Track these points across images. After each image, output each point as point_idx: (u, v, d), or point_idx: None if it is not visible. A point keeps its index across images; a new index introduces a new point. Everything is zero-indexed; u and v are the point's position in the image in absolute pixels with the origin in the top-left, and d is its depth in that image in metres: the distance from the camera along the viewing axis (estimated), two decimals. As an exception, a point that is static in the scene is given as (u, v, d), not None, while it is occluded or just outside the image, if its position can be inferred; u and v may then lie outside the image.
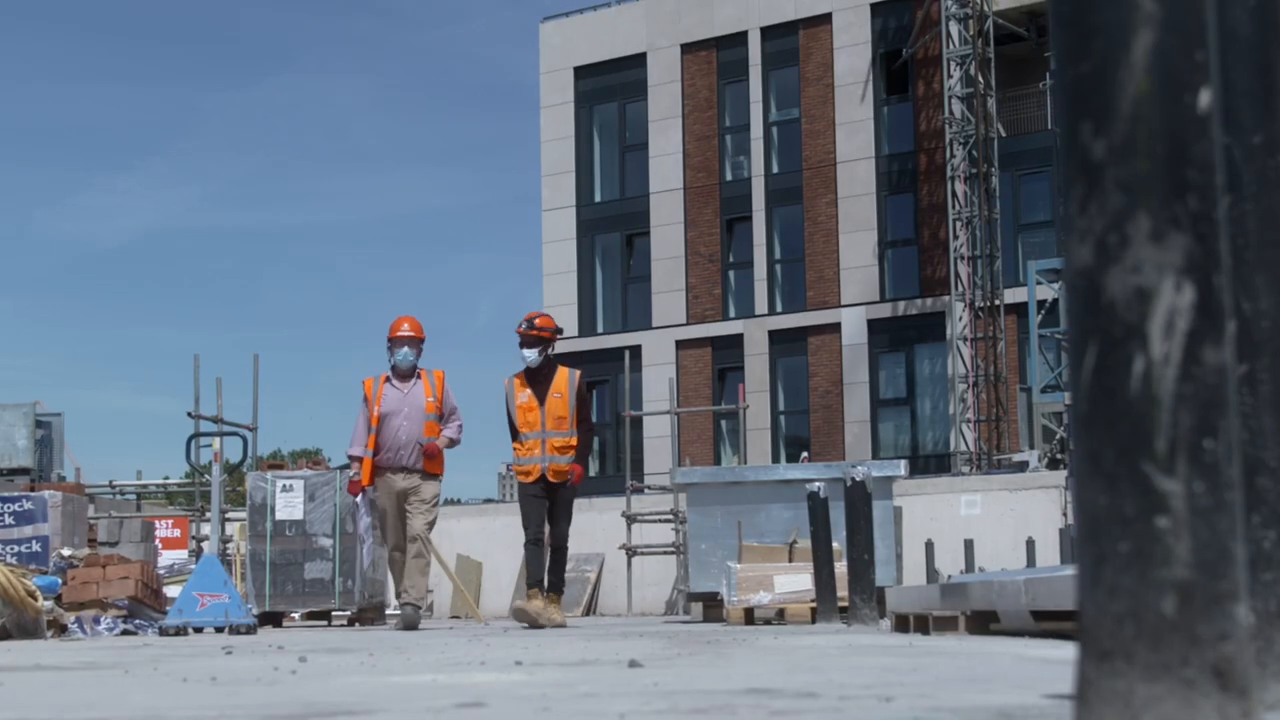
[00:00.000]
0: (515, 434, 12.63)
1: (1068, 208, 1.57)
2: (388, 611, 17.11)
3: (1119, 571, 1.49)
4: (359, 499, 13.25)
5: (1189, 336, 1.49)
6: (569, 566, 25.82)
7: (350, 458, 13.23)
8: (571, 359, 39.88)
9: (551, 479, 12.45)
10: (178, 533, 24.97)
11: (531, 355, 12.56)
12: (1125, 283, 1.51)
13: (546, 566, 12.40)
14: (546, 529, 12.63)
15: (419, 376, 13.03)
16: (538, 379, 12.57)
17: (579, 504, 26.75)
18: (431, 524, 13.05)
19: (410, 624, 12.44)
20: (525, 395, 12.54)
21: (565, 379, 12.66)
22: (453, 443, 13.11)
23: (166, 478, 31.12)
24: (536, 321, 12.59)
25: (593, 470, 38.99)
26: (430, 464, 13.00)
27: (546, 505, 12.50)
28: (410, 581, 12.82)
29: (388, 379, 13.02)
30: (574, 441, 12.52)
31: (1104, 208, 1.53)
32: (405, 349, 12.98)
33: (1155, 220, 1.51)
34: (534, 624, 11.88)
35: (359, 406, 13.09)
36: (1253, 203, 2.30)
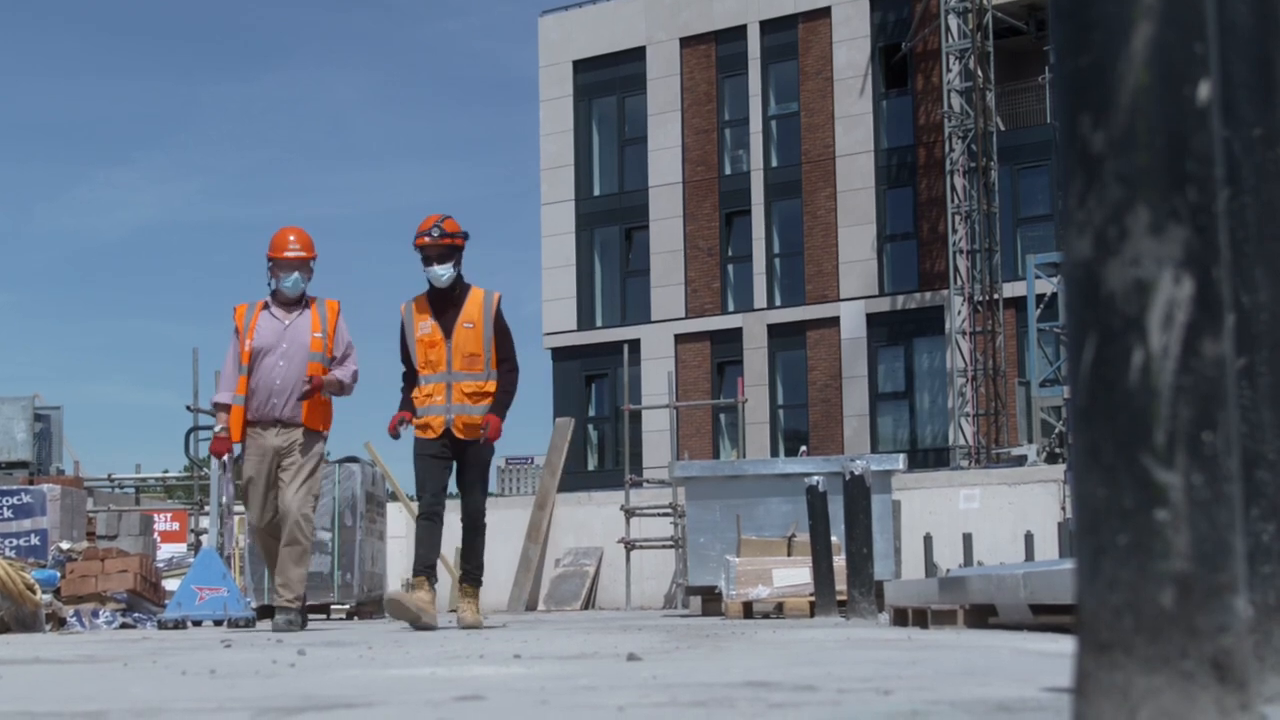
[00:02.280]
0: (411, 376, 9.94)
1: (1067, 200, 1.57)
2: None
3: (1118, 564, 1.49)
4: (225, 462, 10.73)
5: (1188, 329, 1.49)
6: (565, 561, 25.90)
7: (215, 406, 10.49)
8: (571, 353, 40.09)
9: (460, 435, 9.77)
10: (177, 526, 24.95)
11: (442, 273, 9.80)
12: (1124, 275, 1.51)
13: (438, 548, 9.89)
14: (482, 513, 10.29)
15: (306, 306, 10.25)
16: (444, 304, 9.86)
17: (578, 498, 26.82)
18: (315, 498, 10.27)
19: (279, 629, 9.60)
20: (427, 325, 9.83)
21: (479, 304, 9.87)
22: (343, 387, 10.24)
23: (165, 471, 31.15)
24: (446, 225, 9.84)
25: (591, 464, 39.08)
26: (312, 412, 10.15)
27: (450, 469, 9.95)
28: (284, 577, 10.02)
29: (266, 306, 10.23)
30: (490, 387, 9.87)
31: (1103, 200, 1.53)
32: (295, 275, 10.20)
33: (1154, 213, 1.51)
34: (414, 621, 9.38)
35: (229, 340, 10.34)
36: (1252, 195, 2.30)
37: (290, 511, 9.94)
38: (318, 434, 10.18)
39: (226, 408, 10.21)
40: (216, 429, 10.32)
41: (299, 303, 10.24)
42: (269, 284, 10.25)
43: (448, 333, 9.80)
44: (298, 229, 10.32)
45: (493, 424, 9.77)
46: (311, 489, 10.10)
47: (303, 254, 10.23)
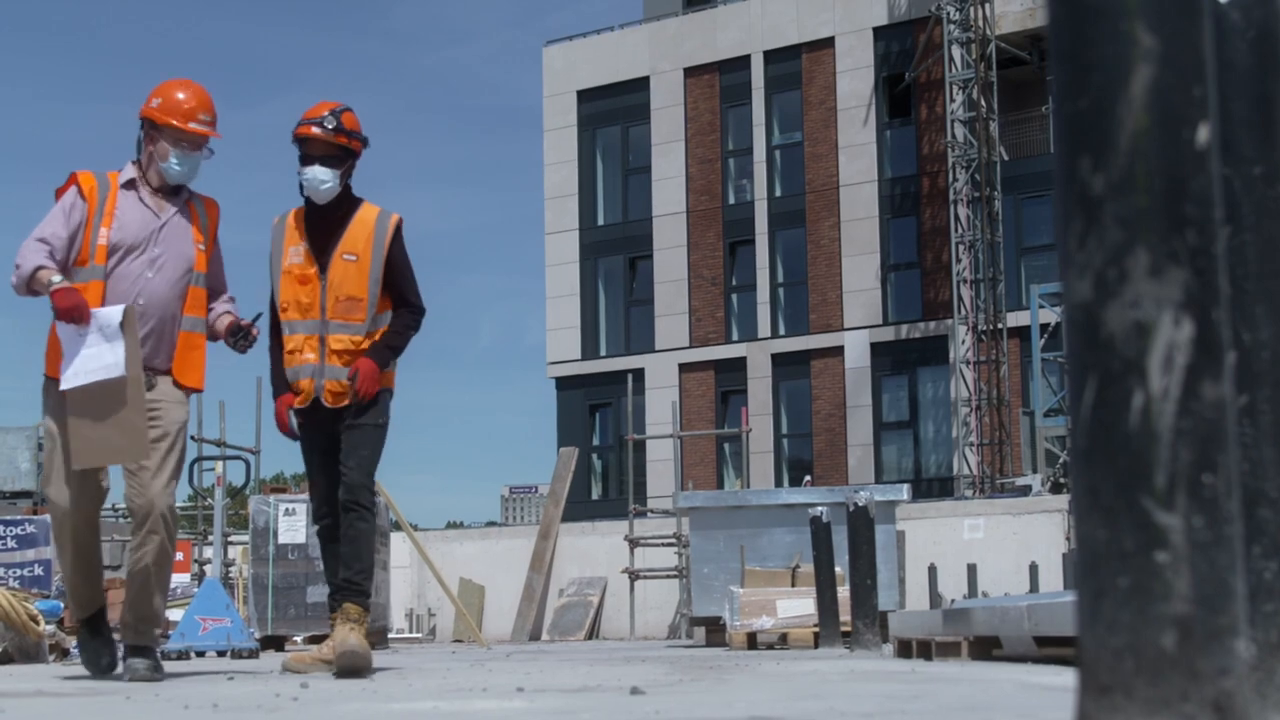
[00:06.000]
0: (274, 322, 7.36)
1: (1066, 242, 1.57)
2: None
3: (1118, 606, 1.49)
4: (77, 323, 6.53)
5: (1188, 371, 1.50)
6: (569, 591, 25.84)
7: (30, 276, 6.61)
8: (575, 382, 40.12)
9: (330, 403, 7.16)
10: (180, 556, 24.93)
11: (324, 179, 7.21)
12: (1124, 317, 1.51)
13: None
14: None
15: (184, 201, 7.04)
16: (323, 225, 7.25)
17: (582, 527, 26.77)
18: (177, 486, 6.85)
19: (141, 677, 6.45)
20: (298, 252, 7.23)
21: (367, 228, 7.24)
22: (243, 332, 7.01)
23: (169, 501, 31.08)
24: (344, 119, 7.27)
25: (595, 493, 39.04)
26: (186, 359, 6.93)
27: (332, 444, 7.23)
28: (142, 608, 6.73)
29: (128, 185, 6.92)
30: (372, 340, 7.21)
31: (1103, 242, 1.53)
32: (197, 159, 7.01)
33: (1154, 255, 1.51)
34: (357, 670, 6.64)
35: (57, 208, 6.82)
36: (1253, 233, 2.30)
37: (155, 508, 6.58)
38: (188, 393, 6.95)
39: (42, 269, 6.61)
40: (53, 281, 6.54)
41: (178, 193, 7.02)
42: (136, 156, 6.99)
43: (323, 266, 7.17)
44: (199, 87, 7.07)
45: (362, 369, 7.08)
46: (180, 473, 6.88)
47: (213, 132, 7.03)
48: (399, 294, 7.26)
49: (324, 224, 7.26)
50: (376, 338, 7.22)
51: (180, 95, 6.99)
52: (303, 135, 7.23)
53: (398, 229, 7.28)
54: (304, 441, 7.33)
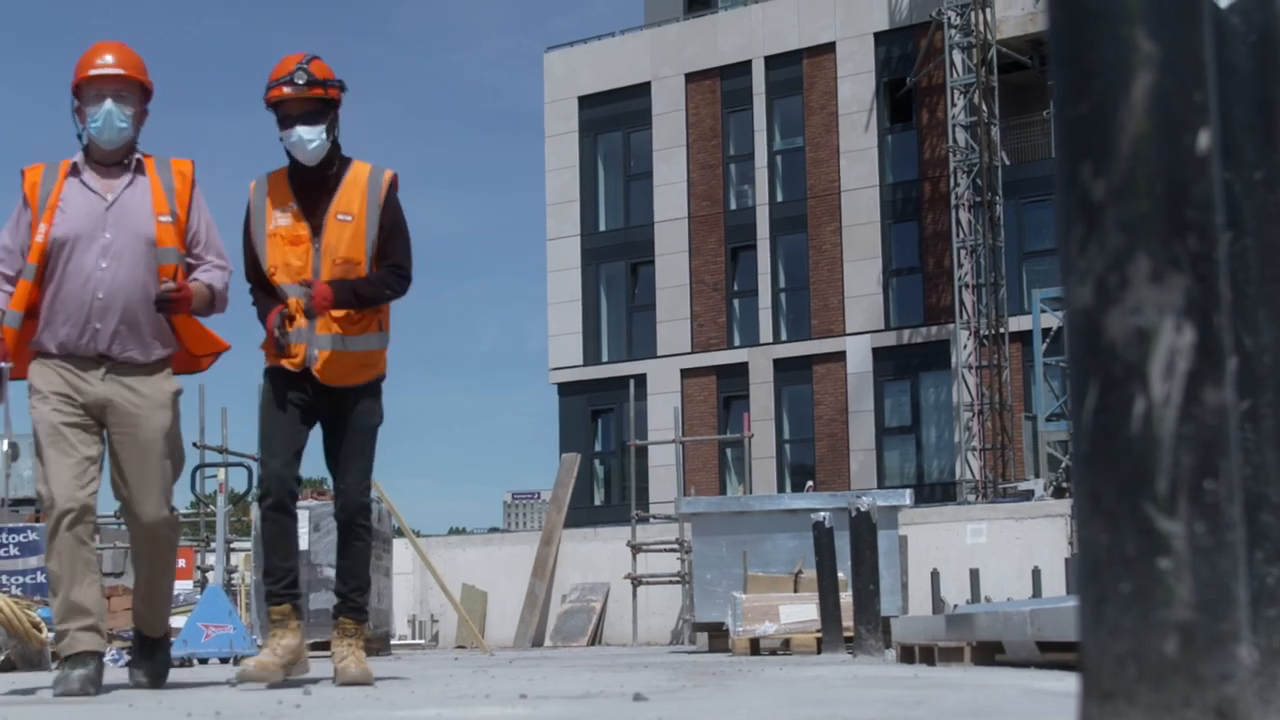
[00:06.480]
0: (263, 289, 6.76)
1: (1067, 247, 1.57)
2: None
3: (1120, 612, 1.49)
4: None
5: (1190, 377, 1.50)
6: (571, 597, 25.84)
7: None
8: (577, 388, 40.11)
9: (326, 381, 6.63)
10: (183, 563, 24.93)
11: (310, 139, 6.66)
12: (1126, 323, 1.51)
13: (297, 552, 6.76)
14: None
15: (138, 170, 6.45)
16: (312, 187, 6.73)
17: (584, 534, 26.78)
18: (168, 489, 6.36)
19: (72, 692, 5.72)
20: (285, 215, 6.70)
21: (361, 187, 6.74)
22: (214, 300, 6.46)
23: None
24: (313, 68, 6.69)
25: (597, 499, 39.05)
26: (192, 334, 6.57)
27: (308, 431, 6.71)
28: (149, 596, 6.45)
29: (73, 170, 6.40)
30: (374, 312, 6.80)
31: (1104, 248, 1.53)
32: (109, 108, 6.33)
33: (1155, 261, 1.51)
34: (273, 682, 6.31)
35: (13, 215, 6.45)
36: (1254, 238, 2.30)
37: (146, 527, 6.24)
38: (168, 385, 6.39)
39: None
40: None
41: (124, 164, 6.43)
42: (78, 135, 6.44)
43: (316, 229, 6.65)
44: (119, 44, 6.53)
45: (319, 288, 6.52)
46: (170, 483, 6.37)
47: (121, 72, 6.36)
48: (390, 254, 6.72)
49: (313, 184, 6.72)
50: (374, 309, 6.73)
51: (86, 52, 6.46)
52: (276, 98, 6.68)
53: (392, 185, 6.78)
54: (277, 404, 6.62)
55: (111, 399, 6.20)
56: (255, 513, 15.45)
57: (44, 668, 9.98)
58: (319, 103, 6.66)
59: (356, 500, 6.67)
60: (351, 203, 6.67)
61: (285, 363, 6.60)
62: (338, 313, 6.57)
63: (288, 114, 6.65)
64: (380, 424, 6.80)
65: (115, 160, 6.39)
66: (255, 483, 5.97)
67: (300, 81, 6.63)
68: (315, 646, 16.57)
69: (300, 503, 9.21)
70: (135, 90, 6.42)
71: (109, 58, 6.37)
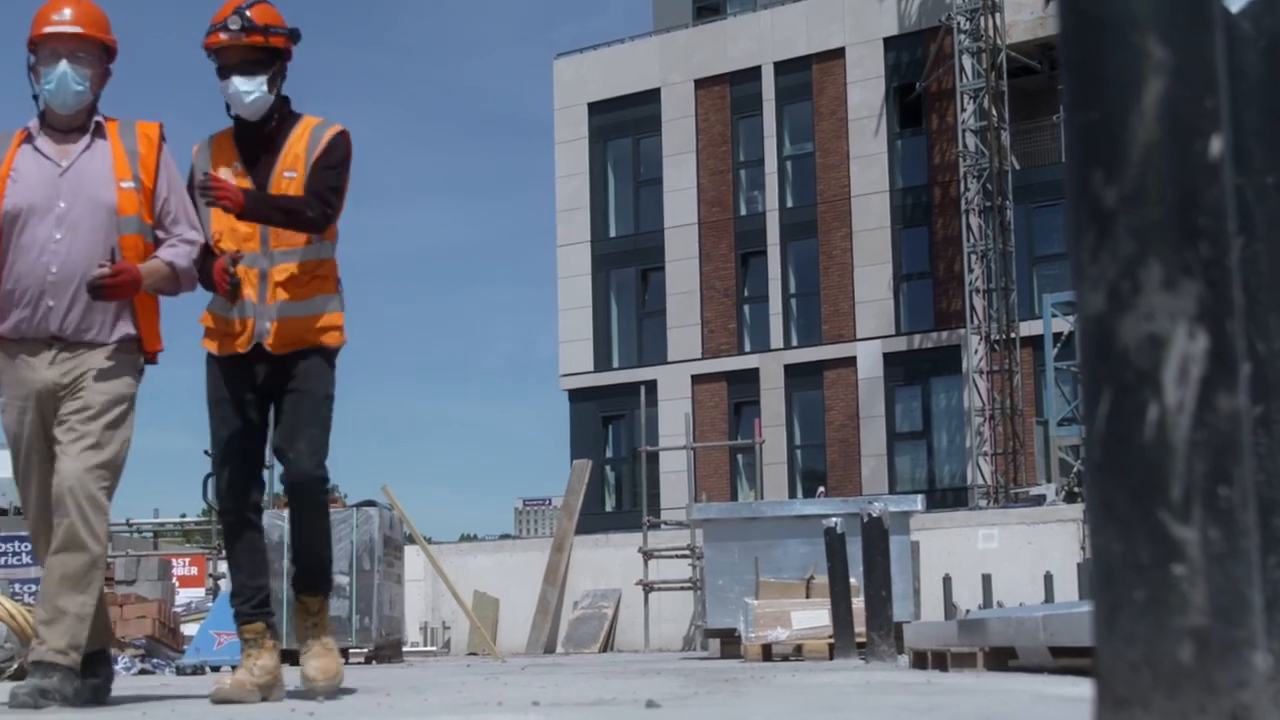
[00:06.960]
0: (212, 257, 6.03)
1: (1079, 254, 1.57)
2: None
3: (1135, 619, 1.49)
4: None
5: (1202, 383, 1.49)
6: (583, 603, 25.83)
7: None
8: (588, 394, 40.10)
9: (276, 350, 5.99)
10: (195, 571, 24.97)
11: (249, 91, 6.05)
12: (1138, 330, 1.51)
13: (267, 566, 6.26)
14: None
15: (99, 134, 5.93)
16: (257, 143, 6.17)
17: (596, 540, 26.78)
18: (117, 470, 5.67)
19: (28, 704, 5.22)
20: (230, 175, 6.08)
21: (303, 141, 6.16)
22: (177, 278, 5.88)
23: (184, 516, 31.22)
24: (254, 13, 6.05)
25: (608, 506, 39.05)
26: (148, 323, 5.94)
27: (264, 418, 6.12)
28: (49, 609, 5.48)
29: (27, 138, 5.91)
30: (326, 269, 6.15)
31: (1115, 255, 1.53)
32: (64, 67, 5.82)
33: (1167, 267, 1.51)
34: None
35: None
36: (1266, 244, 2.30)
37: (67, 491, 5.48)
38: (129, 360, 5.82)
39: None
40: None
41: (84, 128, 5.92)
42: (34, 95, 5.93)
43: (261, 189, 6.06)
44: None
45: (230, 200, 5.84)
46: (113, 454, 5.63)
47: (79, 29, 5.85)
48: (315, 186, 6.03)
49: (258, 142, 6.13)
50: (327, 268, 6.14)
51: (43, 6, 5.92)
52: (212, 45, 6.05)
53: (335, 137, 6.14)
54: (222, 399, 6.03)
55: (58, 380, 5.65)
56: (264, 521, 15.49)
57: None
58: (260, 51, 6.04)
59: (309, 472, 5.97)
60: (297, 160, 6.10)
61: (215, 344, 6.05)
62: (281, 276, 5.98)
63: (226, 63, 6.06)
64: (333, 397, 6.10)
65: (73, 125, 5.89)
66: (210, 495, 5.17)
67: (234, 27, 5.99)
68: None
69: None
70: (95, 49, 5.90)
71: (66, 12, 5.84)
